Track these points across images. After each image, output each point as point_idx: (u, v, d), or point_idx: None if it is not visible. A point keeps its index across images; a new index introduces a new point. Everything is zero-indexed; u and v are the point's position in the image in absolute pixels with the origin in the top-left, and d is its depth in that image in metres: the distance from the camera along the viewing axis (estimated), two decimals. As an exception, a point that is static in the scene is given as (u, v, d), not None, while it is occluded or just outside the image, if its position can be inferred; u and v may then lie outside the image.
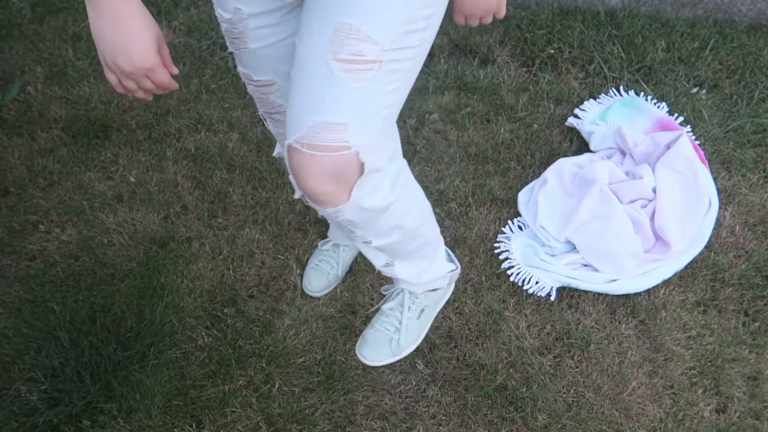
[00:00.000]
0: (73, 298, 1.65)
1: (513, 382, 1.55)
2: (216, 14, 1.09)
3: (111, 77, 0.91)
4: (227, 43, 1.11)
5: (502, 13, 1.09)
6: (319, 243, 1.74)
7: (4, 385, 1.51)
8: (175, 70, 0.93)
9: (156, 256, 1.74)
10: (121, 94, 2.13)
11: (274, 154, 1.44)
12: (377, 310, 1.54)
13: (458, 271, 1.47)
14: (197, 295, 1.68)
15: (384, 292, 1.56)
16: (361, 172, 0.94)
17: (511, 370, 1.58)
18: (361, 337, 1.52)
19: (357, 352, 1.50)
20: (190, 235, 1.79)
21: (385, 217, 1.06)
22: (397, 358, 1.50)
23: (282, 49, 1.08)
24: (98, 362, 1.54)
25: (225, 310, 1.66)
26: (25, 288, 1.67)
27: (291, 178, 0.98)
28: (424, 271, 1.35)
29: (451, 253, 1.47)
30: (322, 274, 1.68)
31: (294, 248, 1.77)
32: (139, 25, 0.86)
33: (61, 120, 2.05)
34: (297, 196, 1.03)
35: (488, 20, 1.10)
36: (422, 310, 1.49)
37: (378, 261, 1.26)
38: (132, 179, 1.91)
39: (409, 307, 1.48)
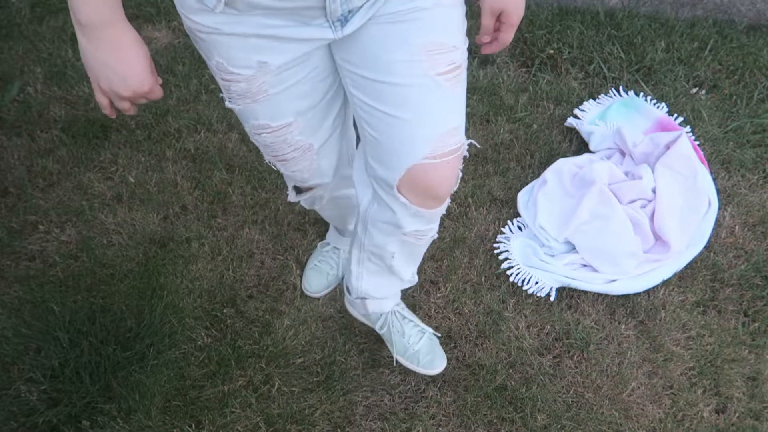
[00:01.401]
0: (72, 299, 1.65)
1: (512, 383, 1.55)
2: (221, 78, 1.00)
3: (102, 100, 0.89)
4: (230, 103, 1.04)
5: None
6: (319, 244, 1.74)
7: (4, 386, 1.51)
8: (160, 80, 0.93)
9: (155, 257, 1.74)
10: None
11: (290, 199, 1.34)
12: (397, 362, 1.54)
13: None
14: (197, 296, 1.68)
15: (381, 331, 1.53)
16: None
17: (511, 370, 1.58)
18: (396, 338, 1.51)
19: (423, 370, 1.51)
20: (189, 235, 1.79)
21: None
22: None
23: (303, 85, 1.03)
24: (98, 362, 1.54)
25: (224, 311, 1.66)
26: (25, 288, 1.67)
27: (403, 199, 1.07)
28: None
29: None
30: (321, 275, 1.68)
31: (293, 248, 1.77)
32: (134, 51, 0.85)
33: (60, 120, 2.05)
34: (410, 229, 1.15)
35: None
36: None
37: (409, 271, 1.36)
38: (131, 179, 1.91)
39: (404, 316, 1.52)
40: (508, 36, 1.02)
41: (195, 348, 1.59)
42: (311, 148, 1.16)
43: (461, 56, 0.98)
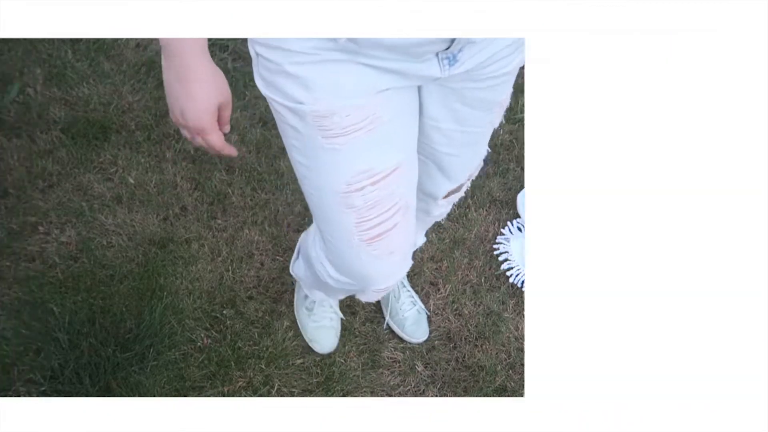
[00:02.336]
0: (72, 300, 1.65)
1: (512, 384, 1.55)
2: (320, 124, 0.87)
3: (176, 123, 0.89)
4: (330, 145, 0.89)
5: None
6: (306, 304, 1.63)
7: (4, 387, 1.51)
8: (227, 129, 0.89)
9: (155, 258, 1.74)
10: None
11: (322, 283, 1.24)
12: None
13: None
14: (196, 297, 1.68)
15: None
16: None
17: (511, 371, 1.58)
18: (399, 323, 1.64)
19: (406, 336, 1.63)
20: (189, 236, 1.79)
21: None
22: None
23: (408, 114, 0.96)
24: (97, 363, 1.54)
25: (224, 312, 1.66)
26: (24, 289, 1.67)
27: (442, 201, 1.24)
28: None
29: None
30: (329, 331, 1.60)
31: (293, 250, 1.77)
32: (201, 87, 0.82)
33: (60, 121, 2.05)
34: (437, 213, 1.30)
35: None
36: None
37: (419, 237, 1.50)
38: (131, 180, 1.91)
39: (404, 285, 1.68)
40: None
41: (195, 349, 1.59)
42: (410, 207, 1.02)
43: None
